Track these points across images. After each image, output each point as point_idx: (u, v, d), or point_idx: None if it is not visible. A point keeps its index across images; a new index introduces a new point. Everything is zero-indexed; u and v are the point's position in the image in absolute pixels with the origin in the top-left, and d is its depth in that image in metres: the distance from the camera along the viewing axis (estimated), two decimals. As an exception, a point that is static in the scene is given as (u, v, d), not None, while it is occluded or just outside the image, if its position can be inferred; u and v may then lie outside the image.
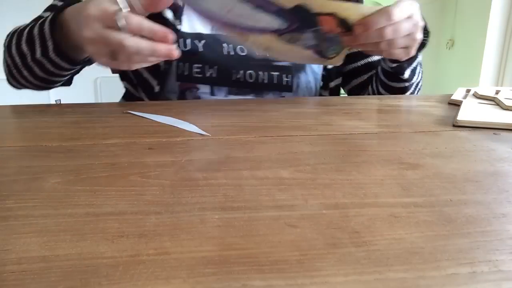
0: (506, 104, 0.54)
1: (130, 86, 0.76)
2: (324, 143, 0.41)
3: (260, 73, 0.71)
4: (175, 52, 0.48)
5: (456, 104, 0.59)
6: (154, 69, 0.69)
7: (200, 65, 0.69)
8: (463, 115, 0.50)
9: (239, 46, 0.71)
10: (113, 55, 0.48)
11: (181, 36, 0.69)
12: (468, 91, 0.66)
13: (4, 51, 0.63)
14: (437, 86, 2.57)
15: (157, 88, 0.69)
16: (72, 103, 0.65)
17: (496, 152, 0.39)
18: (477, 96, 0.62)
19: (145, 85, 0.71)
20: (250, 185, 0.31)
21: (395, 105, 0.59)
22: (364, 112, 0.54)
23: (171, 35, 0.47)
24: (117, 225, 0.25)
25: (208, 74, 0.69)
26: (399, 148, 0.40)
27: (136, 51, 0.46)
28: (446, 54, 2.48)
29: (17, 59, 0.61)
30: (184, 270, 0.21)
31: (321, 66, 0.76)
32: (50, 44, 0.56)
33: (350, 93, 0.82)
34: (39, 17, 0.70)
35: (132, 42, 0.46)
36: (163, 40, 0.47)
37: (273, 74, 0.72)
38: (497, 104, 0.56)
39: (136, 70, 0.72)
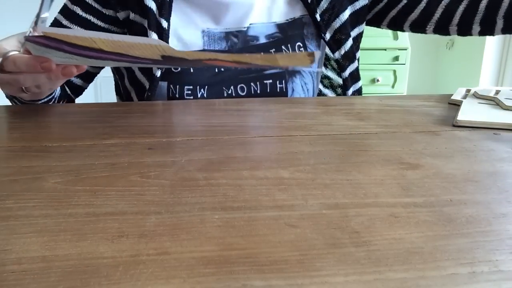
0: (506, 104, 0.54)
1: (121, 81, 0.76)
2: (324, 143, 0.41)
3: (252, 84, 0.70)
4: (71, 70, 0.49)
5: (456, 104, 0.59)
6: (148, 75, 0.69)
7: (191, 87, 0.68)
8: (463, 115, 0.50)
9: None
10: (25, 89, 0.52)
11: None
12: (468, 91, 0.66)
13: None
14: (437, 86, 2.57)
15: (158, 73, 0.68)
16: (72, 103, 0.65)
17: (496, 152, 0.39)
18: (477, 96, 0.62)
19: (138, 86, 0.71)
20: (250, 185, 0.31)
21: (395, 105, 0.59)
22: (364, 112, 0.54)
23: (48, 61, 0.47)
24: (117, 225, 0.25)
25: (199, 95, 0.68)
26: (399, 148, 0.40)
27: (35, 84, 0.50)
28: (446, 54, 2.48)
29: None
30: (184, 270, 0.21)
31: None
32: None
33: (413, 27, 0.75)
34: (54, 21, 0.71)
35: (26, 79, 0.49)
36: (45, 68, 0.48)
37: (266, 83, 0.71)
38: (497, 104, 0.56)
39: (130, 70, 0.73)
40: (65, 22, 0.70)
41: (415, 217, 0.26)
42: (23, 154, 0.38)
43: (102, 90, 2.33)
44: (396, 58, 2.03)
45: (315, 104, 0.60)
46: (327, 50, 0.74)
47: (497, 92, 0.62)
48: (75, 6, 0.70)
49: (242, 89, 0.70)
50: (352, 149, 0.39)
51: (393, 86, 2.08)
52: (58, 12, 0.71)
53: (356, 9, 0.74)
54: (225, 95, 0.70)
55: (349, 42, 0.74)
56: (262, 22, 0.72)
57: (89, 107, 0.58)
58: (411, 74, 2.33)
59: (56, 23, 0.70)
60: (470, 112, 0.52)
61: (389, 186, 0.31)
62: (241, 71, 0.69)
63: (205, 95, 0.69)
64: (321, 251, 0.23)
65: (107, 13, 0.70)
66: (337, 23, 0.73)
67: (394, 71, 2.06)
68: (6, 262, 0.22)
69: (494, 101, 0.58)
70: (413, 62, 2.36)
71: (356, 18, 0.74)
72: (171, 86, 0.69)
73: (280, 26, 0.72)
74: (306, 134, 0.44)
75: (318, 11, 0.73)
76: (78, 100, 0.77)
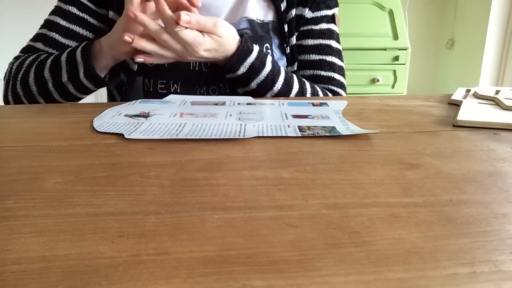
0: (506, 104, 0.54)
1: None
2: (324, 143, 0.41)
3: (223, 88, 0.71)
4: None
5: (456, 104, 0.59)
6: (126, 69, 0.71)
7: (164, 81, 0.70)
8: (463, 115, 0.50)
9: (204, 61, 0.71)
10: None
11: (145, 52, 0.69)
12: (468, 91, 0.66)
13: (11, 83, 0.67)
14: (437, 86, 2.57)
15: (135, 67, 0.70)
16: (72, 103, 0.65)
17: (496, 152, 0.39)
18: (477, 96, 0.62)
19: (126, 66, 0.73)
20: (250, 185, 0.31)
21: (395, 105, 0.59)
22: (364, 112, 0.54)
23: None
24: (117, 225, 0.25)
25: (172, 90, 0.70)
26: (399, 148, 0.40)
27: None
28: (446, 54, 2.48)
29: (33, 88, 0.65)
30: (184, 270, 0.21)
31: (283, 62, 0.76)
32: (81, 68, 0.62)
33: None
34: (49, 22, 0.71)
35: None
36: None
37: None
38: (497, 104, 0.56)
39: (113, 68, 0.75)
40: (62, 22, 0.71)
41: (415, 217, 0.26)
42: (23, 154, 0.38)
43: (102, 90, 2.33)
44: (396, 58, 2.03)
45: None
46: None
47: (497, 92, 0.62)
48: (70, 6, 0.71)
49: (213, 90, 0.72)
50: (352, 149, 0.39)
51: (393, 86, 2.08)
52: (50, 14, 0.72)
53: (299, 30, 0.77)
54: (197, 93, 0.71)
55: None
56: (232, 19, 0.73)
57: (89, 107, 0.58)
58: (411, 74, 2.33)
59: (50, 24, 0.71)
60: (470, 112, 0.52)
61: (389, 186, 0.31)
62: (216, 72, 0.70)
63: (178, 90, 0.70)
64: (321, 251, 0.23)
65: (101, 12, 0.72)
66: (293, 40, 0.75)
67: (394, 71, 2.06)
68: (6, 262, 0.22)
69: (494, 101, 0.58)
70: (413, 62, 2.36)
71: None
72: (146, 80, 0.71)
73: (251, 23, 0.73)
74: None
75: (287, 18, 0.74)
76: (78, 100, 0.77)
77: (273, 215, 0.27)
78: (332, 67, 0.77)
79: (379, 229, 0.25)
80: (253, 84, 0.66)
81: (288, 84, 0.68)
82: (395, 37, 2.05)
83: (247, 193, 0.30)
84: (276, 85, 0.67)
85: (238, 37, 0.63)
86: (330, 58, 0.77)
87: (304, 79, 0.72)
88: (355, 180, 0.32)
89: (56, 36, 0.70)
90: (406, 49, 2.03)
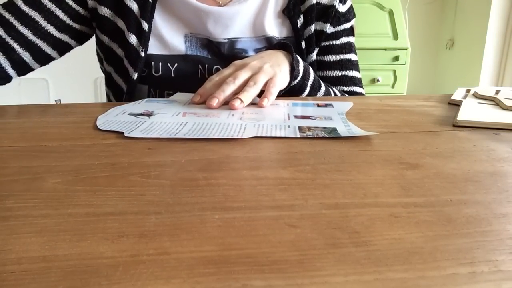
0: (506, 104, 0.54)
1: (113, 72, 0.75)
2: (324, 143, 0.41)
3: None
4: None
5: (456, 104, 0.59)
6: (125, 77, 0.69)
7: (171, 92, 0.68)
8: (463, 115, 0.50)
9: (215, 67, 0.69)
10: None
11: (151, 59, 0.67)
12: (468, 91, 0.66)
13: None
14: (437, 86, 2.57)
15: (135, 76, 0.68)
16: (72, 103, 0.65)
17: (496, 152, 0.39)
18: (477, 96, 0.62)
19: (116, 88, 0.72)
20: (250, 185, 0.31)
21: (395, 105, 0.59)
22: (364, 112, 0.54)
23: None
24: (117, 225, 0.25)
25: None
26: (399, 148, 0.40)
27: None
28: (446, 54, 2.48)
29: None
30: (184, 270, 0.21)
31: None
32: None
33: None
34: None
35: None
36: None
37: None
38: (497, 104, 0.56)
39: (108, 72, 0.73)
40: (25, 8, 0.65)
41: (415, 217, 0.26)
42: (23, 154, 0.38)
43: (102, 90, 2.33)
44: (396, 58, 2.03)
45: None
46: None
47: (497, 92, 0.62)
48: None
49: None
50: (352, 149, 0.39)
51: (393, 86, 2.08)
52: None
53: (320, 46, 0.76)
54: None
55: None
56: (250, 36, 0.71)
57: (89, 107, 0.58)
58: (411, 74, 2.33)
59: (12, 6, 0.65)
60: (470, 112, 0.52)
61: (389, 186, 0.31)
62: None
63: None
64: (321, 251, 0.23)
65: (73, 6, 0.67)
66: (313, 56, 0.74)
67: (394, 71, 2.06)
68: (6, 262, 0.22)
69: (494, 101, 0.58)
70: (413, 62, 2.36)
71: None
72: (152, 89, 0.69)
73: (269, 41, 0.72)
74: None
75: (304, 35, 0.73)
76: (78, 100, 0.77)
77: (273, 215, 0.27)
78: (353, 81, 0.77)
79: (379, 229, 0.25)
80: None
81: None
82: (395, 37, 2.05)
83: (247, 193, 0.30)
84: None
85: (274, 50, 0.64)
86: (351, 73, 0.77)
87: (337, 92, 0.74)
88: (355, 180, 0.32)
89: (19, 2, 0.65)
90: (406, 49, 2.03)
